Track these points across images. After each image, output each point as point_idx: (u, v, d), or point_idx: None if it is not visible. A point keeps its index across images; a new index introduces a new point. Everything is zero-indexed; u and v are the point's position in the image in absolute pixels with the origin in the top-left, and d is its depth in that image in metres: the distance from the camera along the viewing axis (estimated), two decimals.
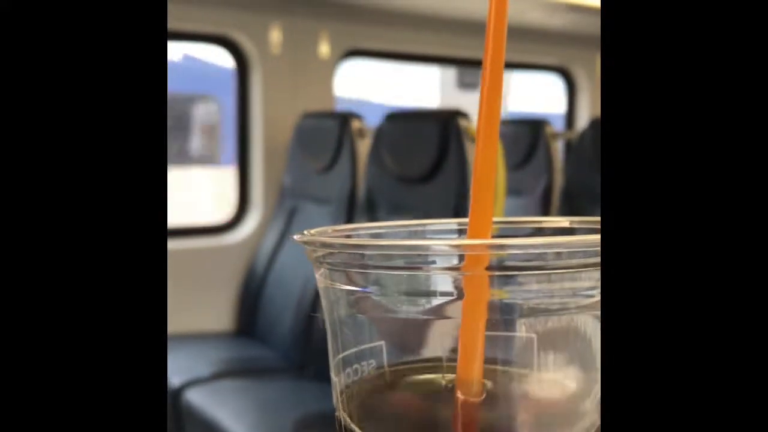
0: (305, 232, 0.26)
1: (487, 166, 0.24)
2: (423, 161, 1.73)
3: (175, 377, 1.75)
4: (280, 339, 1.93)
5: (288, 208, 2.12)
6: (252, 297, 2.09)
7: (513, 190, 2.15)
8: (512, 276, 0.22)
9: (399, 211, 1.81)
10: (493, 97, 0.24)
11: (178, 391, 1.71)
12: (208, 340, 2.05)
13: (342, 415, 0.24)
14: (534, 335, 0.22)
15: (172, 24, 1.94)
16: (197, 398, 1.66)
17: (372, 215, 1.84)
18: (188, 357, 1.85)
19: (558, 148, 2.35)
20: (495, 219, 0.25)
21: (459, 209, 1.64)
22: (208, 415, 1.59)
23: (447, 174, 1.69)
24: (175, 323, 1.96)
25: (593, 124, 1.91)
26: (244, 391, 1.70)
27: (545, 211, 2.18)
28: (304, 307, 1.85)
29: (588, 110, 2.94)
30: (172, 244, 2.05)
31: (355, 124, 1.95)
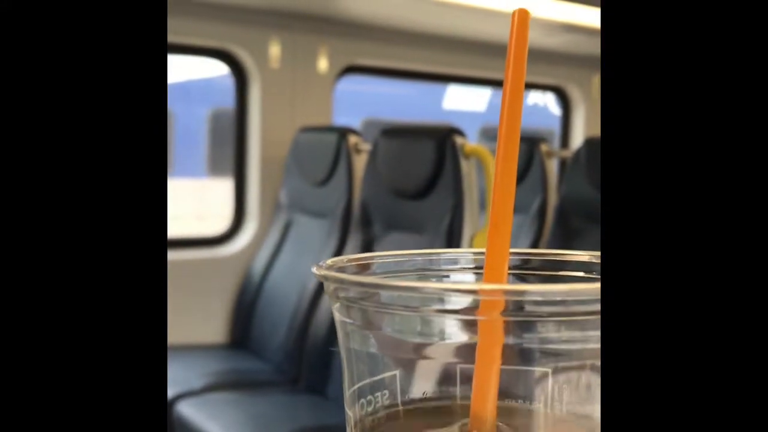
0: (322, 263, 0.26)
1: (505, 205, 0.24)
2: (418, 177, 1.73)
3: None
4: (273, 352, 1.93)
5: (283, 221, 2.12)
6: (246, 309, 2.09)
7: None
8: (528, 321, 0.22)
9: (394, 226, 1.81)
10: (511, 130, 0.24)
11: (170, 403, 1.70)
12: (201, 352, 2.04)
13: None
14: (549, 377, 0.23)
15: (173, 37, 1.95)
16: (189, 411, 1.66)
17: (367, 230, 1.85)
18: (181, 369, 1.85)
19: (553, 166, 2.37)
20: (511, 250, 0.25)
21: (453, 225, 1.65)
22: (200, 428, 1.58)
23: (441, 190, 1.70)
24: (168, 334, 1.95)
25: (588, 143, 1.92)
26: (236, 404, 1.69)
27: (539, 229, 2.19)
28: (299, 320, 1.85)
29: (583, 129, 2.95)
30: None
31: (352, 139, 1.97)
